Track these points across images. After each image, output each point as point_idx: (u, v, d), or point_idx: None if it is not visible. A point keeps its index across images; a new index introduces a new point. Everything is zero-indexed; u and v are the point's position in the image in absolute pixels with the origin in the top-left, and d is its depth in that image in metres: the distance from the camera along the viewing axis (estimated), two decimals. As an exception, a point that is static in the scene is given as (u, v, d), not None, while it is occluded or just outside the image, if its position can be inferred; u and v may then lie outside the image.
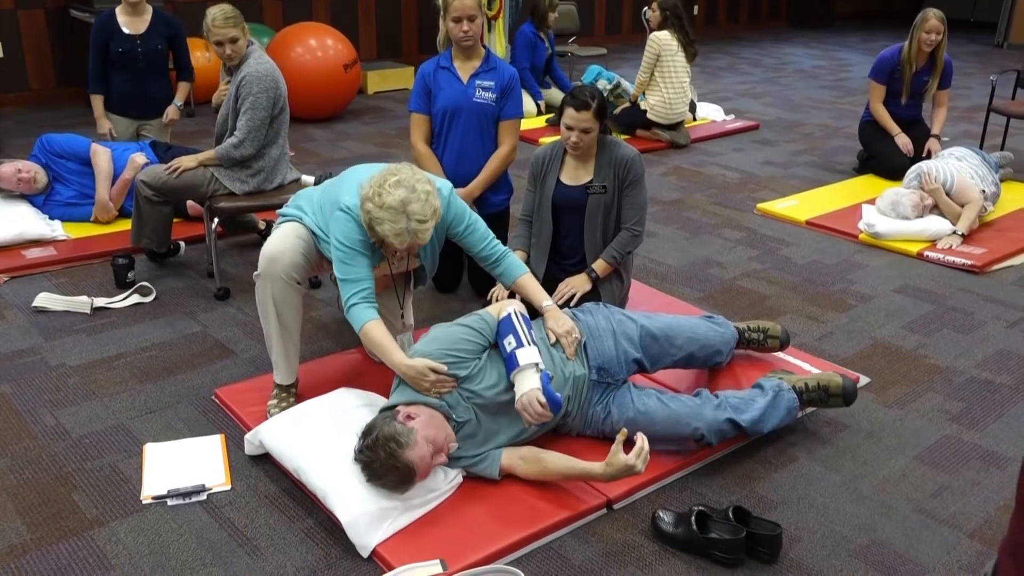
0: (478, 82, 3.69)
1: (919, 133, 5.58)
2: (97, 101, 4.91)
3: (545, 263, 3.48)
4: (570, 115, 3.23)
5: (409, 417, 2.40)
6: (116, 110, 4.95)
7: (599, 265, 3.36)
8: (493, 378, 2.56)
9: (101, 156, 4.47)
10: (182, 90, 5.05)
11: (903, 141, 5.50)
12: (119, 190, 4.49)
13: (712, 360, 2.99)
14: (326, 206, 2.80)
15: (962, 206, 4.54)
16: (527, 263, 3.51)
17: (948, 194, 4.59)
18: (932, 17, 5.25)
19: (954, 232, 4.47)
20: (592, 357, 2.70)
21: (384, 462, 2.32)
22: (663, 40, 6.21)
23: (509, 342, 2.53)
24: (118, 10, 4.83)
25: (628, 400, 2.68)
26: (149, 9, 4.88)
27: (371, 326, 2.60)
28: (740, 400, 2.73)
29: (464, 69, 3.72)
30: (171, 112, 5.01)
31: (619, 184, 3.35)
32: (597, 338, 2.74)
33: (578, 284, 3.34)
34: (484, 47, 3.76)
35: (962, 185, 4.59)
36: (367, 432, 2.39)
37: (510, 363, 2.49)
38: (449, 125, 3.72)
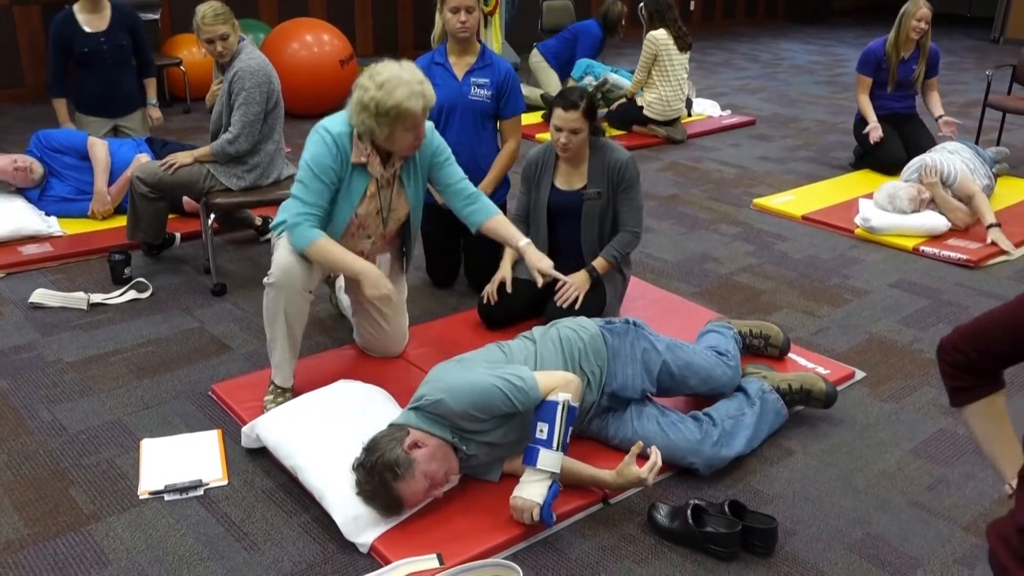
0: (473, 79, 3.69)
1: (915, 128, 5.60)
2: (60, 105, 4.75)
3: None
4: (559, 115, 3.21)
5: (416, 445, 2.32)
6: (89, 111, 4.82)
7: (599, 263, 3.36)
8: (506, 427, 2.46)
9: (99, 148, 4.45)
10: (151, 88, 4.92)
11: (875, 133, 5.46)
12: (120, 187, 4.48)
13: (713, 396, 2.88)
14: None
15: (965, 199, 4.54)
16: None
17: (950, 188, 4.60)
18: (923, 5, 5.35)
19: (991, 225, 4.42)
20: (608, 383, 2.64)
21: (376, 488, 2.30)
22: (660, 40, 6.19)
23: (540, 430, 2.34)
24: (76, 8, 4.62)
25: (628, 421, 2.65)
26: (107, 4, 4.69)
27: (322, 242, 2.66)
28: (733, 422, 2.69)
29: (459, 65, 3.71)
30: (154, 114, 4.96)
31: (614, 188, 3.34)
32: (620, 363, 2.67)
33: (580, 283, 3.32)
34: (480, 43, 3.76)
35: (964, 178, 4.60)
36: (370, 449, 2.33)
37: (530, 454, 2.35)
38: (444, 122, 3.71)
